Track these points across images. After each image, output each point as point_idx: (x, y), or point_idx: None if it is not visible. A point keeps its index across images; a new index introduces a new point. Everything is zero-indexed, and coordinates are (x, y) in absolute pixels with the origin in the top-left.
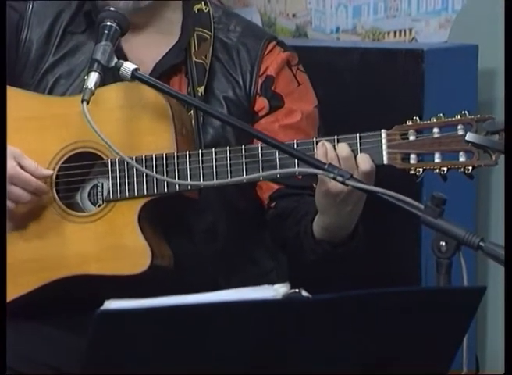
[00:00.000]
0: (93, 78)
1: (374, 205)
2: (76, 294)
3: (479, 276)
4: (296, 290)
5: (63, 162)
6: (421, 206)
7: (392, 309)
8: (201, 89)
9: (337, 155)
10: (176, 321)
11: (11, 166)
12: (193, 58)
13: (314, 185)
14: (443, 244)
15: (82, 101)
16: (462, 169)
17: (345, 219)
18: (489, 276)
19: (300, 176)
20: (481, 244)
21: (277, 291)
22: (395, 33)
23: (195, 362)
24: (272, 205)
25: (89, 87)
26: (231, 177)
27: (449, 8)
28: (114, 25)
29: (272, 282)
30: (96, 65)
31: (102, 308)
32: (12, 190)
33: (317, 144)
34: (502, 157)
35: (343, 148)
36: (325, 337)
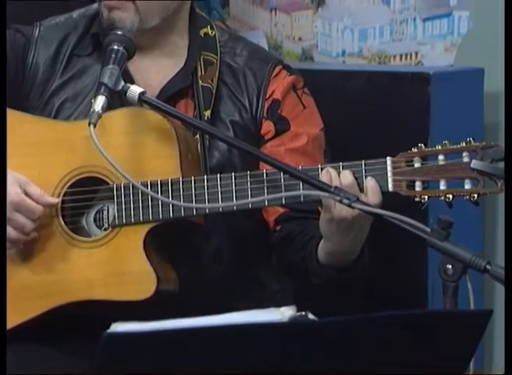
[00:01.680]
0: (100, 101)
1: (380, 227)
2: (81, 319)
3: (486, 299)
4: (303, 313)
5: (69, 187)
6: (428, 229)
7: (398, 332)
8: (208, 113)
9: (340, 183)
10: (182, 344)
11: (16, 192)
12: (200, 82)
13: (320, 208)
14: (450, 267)
15: (89, 124)
16: (468, 197)
17: (349, 245)
18: (496, 299)
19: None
20: (488, 267)
21: (283, 314)
22: (401, 56)
23: None
24: (278, 228)
25: (96, 110)
26: (236, 202)
27: (454, 32)
28: (121, 48)
29: (278, 303)
30: (103, 88)
31: (109, 330)
32: (16, 218)
33: (321, 170)
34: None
35: (347, 176)
36: (330, 360)
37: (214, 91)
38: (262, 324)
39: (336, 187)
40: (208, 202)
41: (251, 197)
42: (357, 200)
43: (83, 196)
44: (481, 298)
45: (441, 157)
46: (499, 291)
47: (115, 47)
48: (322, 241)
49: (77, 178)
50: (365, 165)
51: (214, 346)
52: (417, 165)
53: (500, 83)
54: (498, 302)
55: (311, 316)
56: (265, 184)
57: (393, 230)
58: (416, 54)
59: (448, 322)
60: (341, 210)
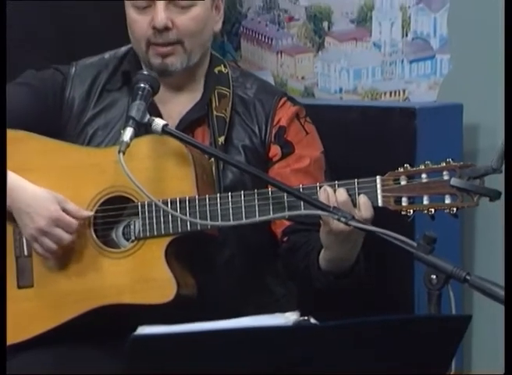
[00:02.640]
0: (128, 132)
1: (372, 242)
2: (111, 321)
3: (465, 306)
4: (306, 317)
5: (100, 205)
6: (414, 244)
7: (389, 335)
8: (222, 139)
9: (336, 200)
10: (200, 346)
11: (55, 209)
12: (215, 113)
13: (321, 222)
14: (434, 277)
15: (119, 152)
16: (448, 210)
17: (346, 254)
18: (474, 305)
19: None
20: (467, 277)
21: (288, 318)
22: (390, 93)
23: None
24: (285, 239)
25: (125, 140)
26: (245, 218)
27: (437, 72)
28: (147, 86)
29: (283, 307)
30: (131, 121)
31: (136, 333)
32: (55, 232)
33: (319, 188)
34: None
35: (341, 193)
36: (330, 359)
37: (227, 120)
38: (270, 328)
39: (334, 207)
40: (221, 217)
41: (258, 213)
42: (353, 218)
43: (113, 213)
44: (461, 305)
45: (424, 175)
46: (477, 298)
47: (142, 85)
48: (323, 250)
49: (107, 197)
50: (358, 183)
51: (226, 348)
52: (403, 183)
53: (477, 116)
54: (476, 308)
55: (312, 321)
56: (271, 201)
57: (384, 244)
58: (404, 91)
59: (432, 325)
60: (338, 224)
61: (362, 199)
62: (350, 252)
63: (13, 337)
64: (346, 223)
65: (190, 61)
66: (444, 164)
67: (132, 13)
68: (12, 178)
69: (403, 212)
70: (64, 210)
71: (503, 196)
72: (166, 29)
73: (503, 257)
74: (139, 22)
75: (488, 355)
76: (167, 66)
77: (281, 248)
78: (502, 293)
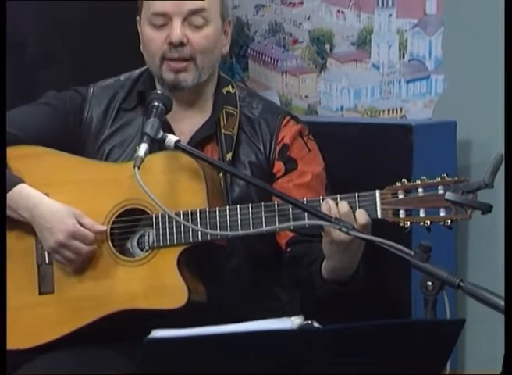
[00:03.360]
0: (143, 148)
1: (372, 251)
2: (126, 325)
3: (459, 310)
4: (309, 321)
5: (116, 217)
6: (411, 252)
7: (387, 337)
8: (229, 155)
9: (338, 212)
10: (212, 347)
11: (72, 223)
12: (223, 131)
13: (323, 233)
14: (430, 283)
15: (134, 167)
16: (443, 223)
17: (347, 263)
18: (467, 310)
19: None
20: (461, 283)
21: (293, 322)
22: (388, 111)
23: None
24: (288, 249)
25: (140, 155)
26: (253, 228)
27: (432, 91)
28: (160, 105)
29: (287, 313)
30: (146, 137)
31: (150, 336)
32: (74, 244)
33: (322, 201)
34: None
35: (343, 206)
36: (331, 360)
37: (234, 138)
38: (276, 331)
39: (335, 218)
40: (230, 228)
41: (265, 224)
42: (353, 228)
43: (128, 224)
44: (455, 309)
45: (420, 190)
46: (470, 303)
47: (156, 103)
48: (325, 260)
49: (123, 209)
50: (358, 197)
51: (237, 349)
52: (401, 196)
53: (470, 133)
54: (469, 312)
55: (315, 324)
56: (276, 213)
57: (383, 253)
58: (401, 109)
59: (429, 329)
60: (339, 234)
61: (358, 211)
62: (350, 261)
63: (35, 339)
64: (347, 233)
65: (201, 78)
66: (439, 179)
67: (148, 30)
68: (33, 195)
69: (400, 224)
70: (81, 224)
71: (499, 208)
72: (181, 44)
73: (494, 264)
74: (155, 38)
75: (480, 355)
76: (180, 81)
77: (285, 257)
78: (493, 298)
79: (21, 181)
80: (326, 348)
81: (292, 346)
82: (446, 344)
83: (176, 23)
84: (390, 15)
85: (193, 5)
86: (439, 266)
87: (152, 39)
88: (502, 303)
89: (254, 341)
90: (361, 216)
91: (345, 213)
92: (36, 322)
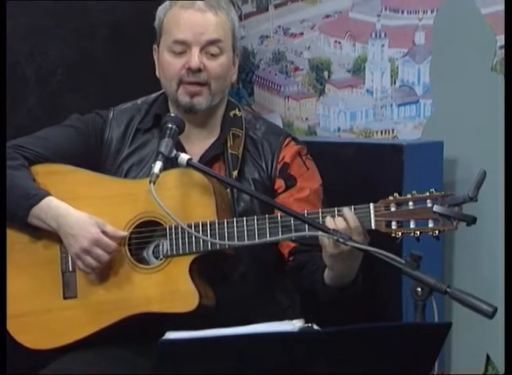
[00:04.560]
0: (158, 166)
1: (367, 260)
2: (142, 327)
3: (446, 314)
4: (309, 324)
5: (134, 228)
6: (403, 261)
7: (380, 339)
8: (235, 173)
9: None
10: (221, 348)
11: (95, 231)
12: (229, 151)
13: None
14: (419, 289)
15: (150, 183)
16: (431, 233)
17: (347, 271)
18: (453, 314)
19: None
20: (448, 289)
21: (294, 325)
22: (381, 132)
23: None
24: (291, 259)
25: (155, 172)
26: (258, 239)
27: (421, 114)
28: (174, 126)
29: (289, 316)
30: (160, 156)
31: (164, 337)
32: (96, 251)
33: (322, 214)
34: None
35: (341, 223)
36: (330, 359)
37: (240, 157)
38: (280, 333)
39: (333, 230)
40: (237, 238)
41: (269, 234)
42: (350, 239)
43: (145, 234)
44: (442, 313)
45: (411, 203)
46: (456, 307)
47: (170, 125)
48: (327, 270)
49: (140, 221)
50: (354, 209)
51: (243, 349)
52: (393, 209)
53: (455, 152)
54: (455, 316)
55: (315, 327)
56: (279, 224)
57: (376, 261)
58: (392, 130)
59: (418, 331)
60: (334, 249)
61: (347, 213)
62: (350, 269)
63: (60, 340)
64: (344, 243)
65: (213, 101)
66: (428, 193)
67: (168, 57)
68: (60, 206)
69: (392, 234)
70: (103, 232)
71: (482, 220)
72: (199, 70)
73: (478, 271)
74: (174, 64)
75: (465, 357)
76: (194, 104)
77: (287, 266)
78: (477, 302)
79: (48, 194)
80: (324, 348)
81: (293, 346)
82: (434, 344)
83: (195, 51)
84: (383, 45)
85: (211, 36)
86: (427, 274)
87: (171, 64)
88: (485, 307)
89: (260, 342)
90: (351, 220)
91: (343, 229)
92: (60, 324)
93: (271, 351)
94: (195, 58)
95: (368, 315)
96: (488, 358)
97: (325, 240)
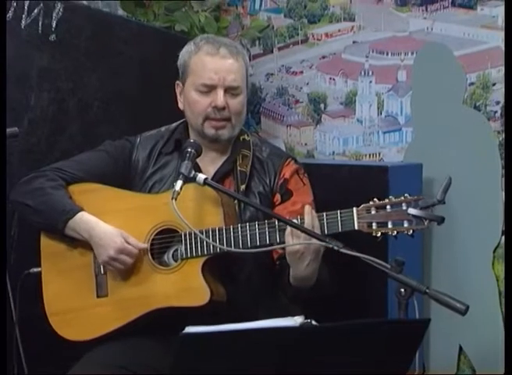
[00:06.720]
0: (179, 184)
1: (355, 264)
2: (163, 321)
3: (425, 312)
4: (309, 320)
5: (155, 235)
6: (388, 266)
7: (369, 333)
8: (243, 187)
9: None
10: (234, 340)
11: (120, 242)
12: (239, 168)
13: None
14: (402, 290)
15: (172, 199)
16: (406, 232)
17: (305, 272)
18: (432, 311)
19: None
20: (427, 290)
21: (296, 320)
22: (370, 155)
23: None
24: (277, 263)
25: (177, 189)
26: (259, 241)
27: (403, 140)
28: (193, 151)
29: (290, 312)
30: (181, 176)
31: (184, 331)
32: (121, 257)
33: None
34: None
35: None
36: (326, 351)
37: (247, 173)
38: (283, 327)
39: (328, 238)
40: (242, 242)
41: (269, 238)
42: (344, 246)
43: (164, 240)
44: (423, 311)
45: (388, 207)
46: (434, 306)
47: (189, 149)
48: (290, 269)
49: (160, 229)
50: (340, 213)
51: (251, 342)
52: (373, 212)
53: (433, 173)
54: (433, 314)
55: (314, 323)
56: (277, 229)
57: (365, 266)
58: (379, 154)
59: (400, 327)
60: (292, 247)
61: (306, 208)
62: (307, 270)
63: (94, 332)
64: (338, 251)
65: (234, 133)
66: (403, 198)
67: (194, 95)
68: (91, 220)
69: (373, 234)
70: (127, 242)
71: (455, 227)
72: (223, 108)
73: (452, 274)
74: (200, 102)
75: (441, 354)
76: (219, 136)
77: (275, 270)
78: (451, 301)
79: (82, 210)
80: (321, 342)
81: (294, 340)
82: (415, 337)
83: (220, 92)
84: (370, 81)
85: (234, 82)
86: (409, 277)
87: (198, 102)
88: (459, 305)
89: (266, 335)
90: (307, 213)
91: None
92: (95, 319)
93: (276, 343)
94: (221, 98)
95: (358, 312)
96: (460, 348)
97: (288, 237)
